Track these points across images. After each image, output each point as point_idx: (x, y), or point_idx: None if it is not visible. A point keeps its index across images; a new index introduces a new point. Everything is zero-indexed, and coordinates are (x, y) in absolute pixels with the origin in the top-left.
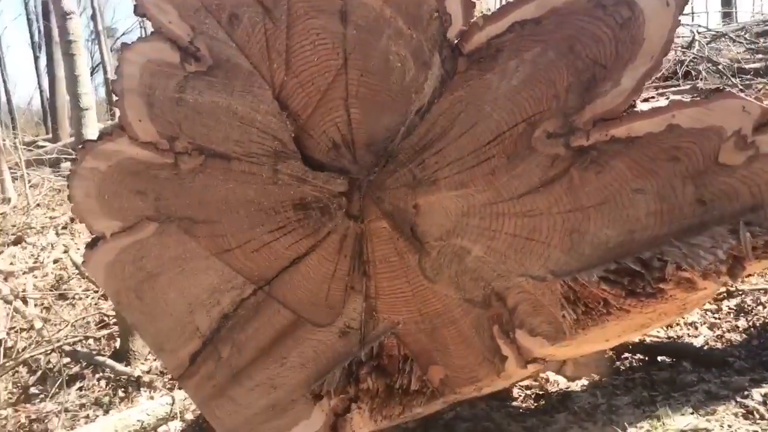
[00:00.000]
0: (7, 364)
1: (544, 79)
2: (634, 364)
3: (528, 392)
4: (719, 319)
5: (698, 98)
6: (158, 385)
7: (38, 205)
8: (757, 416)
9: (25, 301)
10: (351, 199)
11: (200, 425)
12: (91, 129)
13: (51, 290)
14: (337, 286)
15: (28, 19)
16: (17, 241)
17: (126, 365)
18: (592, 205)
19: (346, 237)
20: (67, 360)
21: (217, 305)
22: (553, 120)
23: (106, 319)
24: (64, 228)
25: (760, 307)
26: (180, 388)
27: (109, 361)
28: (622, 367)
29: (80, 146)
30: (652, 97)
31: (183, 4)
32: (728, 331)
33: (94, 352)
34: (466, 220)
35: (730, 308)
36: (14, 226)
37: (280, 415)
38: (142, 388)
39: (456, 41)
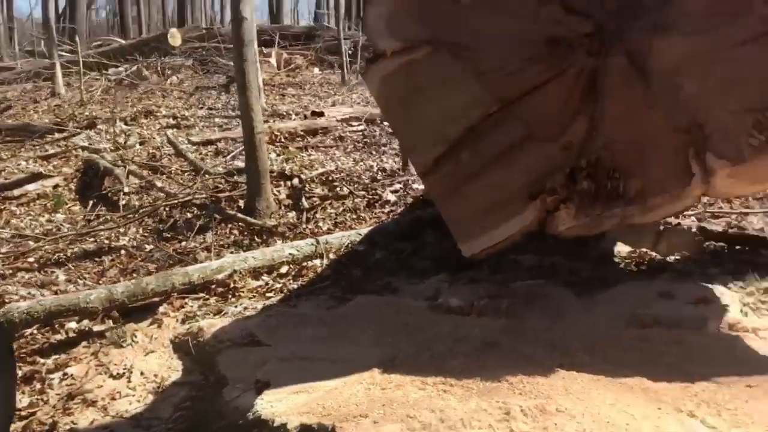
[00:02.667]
0: (142, 210)
1: None
2: (717, 249)
3: (628, 261)
4: None
5: None
6: (291, 236)
7: (92, 101)
8: None
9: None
10: (594, 40)
11: (342, 262)
12: (249, 6)
13: (148, 163)
14: (568, 110)
15: None
16: (90, 126)
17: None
18: None
19: (583, 71)
20: (190, 214)
21: (466, 117)
22: None
23: (220, 186)
24: (133, 119)
25: None
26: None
27: (240, 215)
28: (708, 251)
29: None
30: None
31: None
32: None
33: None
34: (688, 61)
35: None
36: (75, 115)
37: (500, 210)
38: (275, 237)
39: None
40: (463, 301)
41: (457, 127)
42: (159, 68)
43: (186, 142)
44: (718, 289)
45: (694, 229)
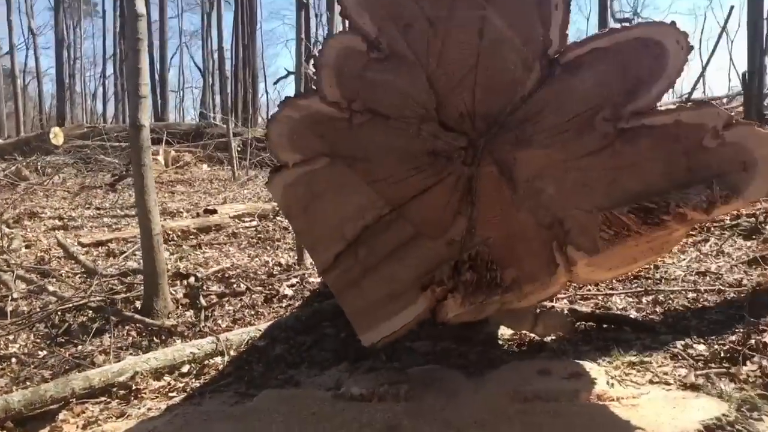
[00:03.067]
0: (34, 315)
1: (606, 84)
2: (587, 329)
3: (510, 343)
4: (642, 307)
5: (695, 106)
6: (190, 335)
7: None
8: (680, 357)
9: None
10: (467, 152)
11: (243, 358)
12: (146, 114)
13: (36, 266)
14: (449, 211)
15: None
16: None
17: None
18: (625, 167)
19: (460, 178)
20: (85, 318)
21: (362, 219)
22: (608, 110)
23: (115, 287)
24: (16, 222)
25: (669, 301)
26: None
27: (138, 316)
28: (579, 330)
29: (283, 101)
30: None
31: (374, 14)
32: (649, 314)
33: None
34: (546, 170)
35: (647, 301)
36: None
37: (395, 301)
38: (175, 337)
39: (554, 56)
40: (365, 389)
41: (354, 228)
42: (40, 167)
43: (76, 243)
44: (588, 365)
45: (566, 311)
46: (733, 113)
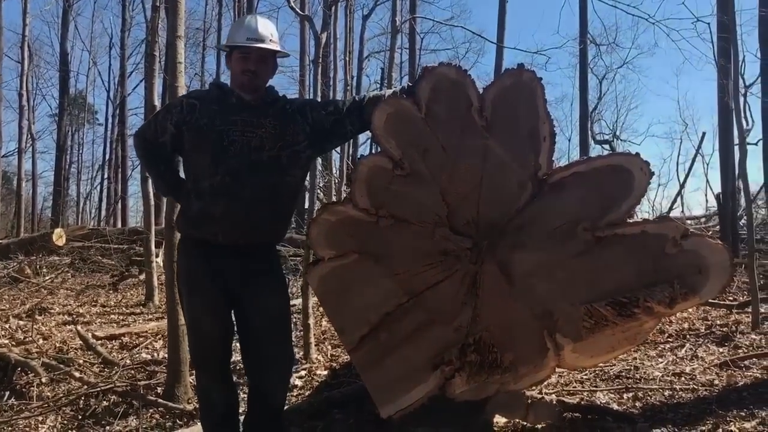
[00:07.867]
0: (69, 398)
1: (585, 201)
2: (573, 419)
3: (505, 430)
4: (623, 402)
5: (657, 220)
6: None
7: None
8: None
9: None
10: (473, 252)
11: None
12: None
13: (57, 355)
14: (457, 301)
15: None
16: None
17: None
18: (602, 268)
19: (467, 274)
20: (108, 402)
21: (384, 306)
22: (587, 221)
23: (133, 374)
24: (28, 315)
25: (648, 397)
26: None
27: (161, 400)
28: (567, 419)
29: (322, 206)
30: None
31: (399, 140)
32: (629, 408)
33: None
34: (538, 268)
35: (628, 397)
36: None
37: (408, 378)
38: (196, 419)
39: (543, 177)
40: None
41: (377, 314)
42: (38, 267)
43: (91, 336)
44: None
45: (554, 402)
46: (710, 232)
